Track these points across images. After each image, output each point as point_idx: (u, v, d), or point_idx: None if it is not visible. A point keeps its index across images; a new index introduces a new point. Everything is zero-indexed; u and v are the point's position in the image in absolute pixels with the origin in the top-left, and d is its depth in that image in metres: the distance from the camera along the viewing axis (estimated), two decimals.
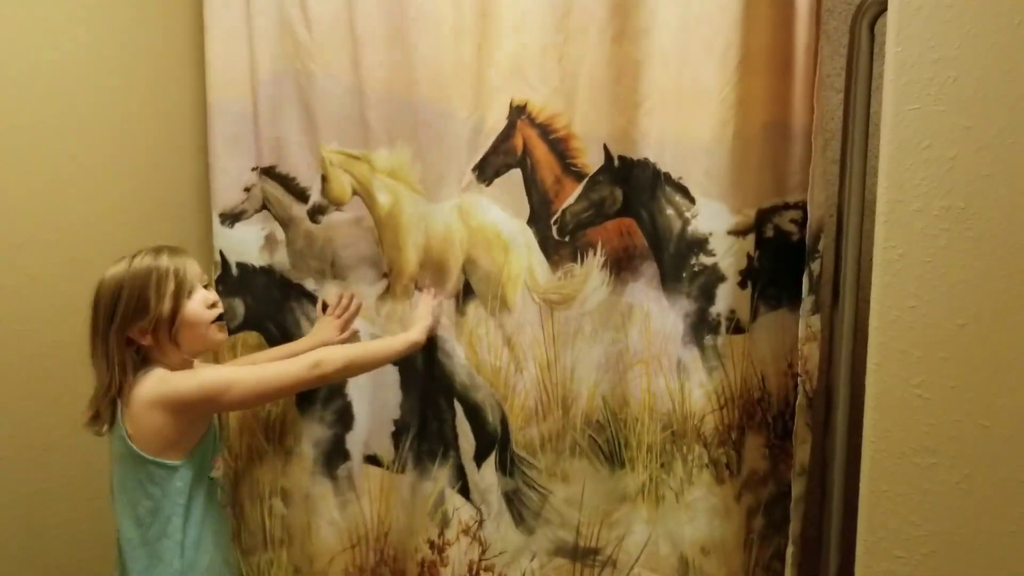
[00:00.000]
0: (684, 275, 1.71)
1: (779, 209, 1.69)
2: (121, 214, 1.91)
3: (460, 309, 1.88)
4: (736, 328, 1.69)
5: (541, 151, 1.78)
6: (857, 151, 1.44)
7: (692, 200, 1.68)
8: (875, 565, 1.16)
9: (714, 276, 1.68)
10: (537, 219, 1.79)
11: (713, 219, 1.67)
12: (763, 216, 1.68)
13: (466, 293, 1.88)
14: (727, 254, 1.67)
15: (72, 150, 1.79)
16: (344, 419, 2.04)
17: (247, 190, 2.04)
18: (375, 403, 2.02)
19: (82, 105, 1.82)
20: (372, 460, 2.03)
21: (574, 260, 1.76)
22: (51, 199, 1.76)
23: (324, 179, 1.96)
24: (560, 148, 1.76)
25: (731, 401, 1.70)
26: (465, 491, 1.92)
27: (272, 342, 2.06)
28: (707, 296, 1.69)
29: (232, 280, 2.07)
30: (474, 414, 1.89)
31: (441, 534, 1.93)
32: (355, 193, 1.96)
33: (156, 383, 1.52)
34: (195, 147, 2.06)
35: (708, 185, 1.67)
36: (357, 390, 2.02)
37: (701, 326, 1.70)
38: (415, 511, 1.97)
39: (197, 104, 2.05)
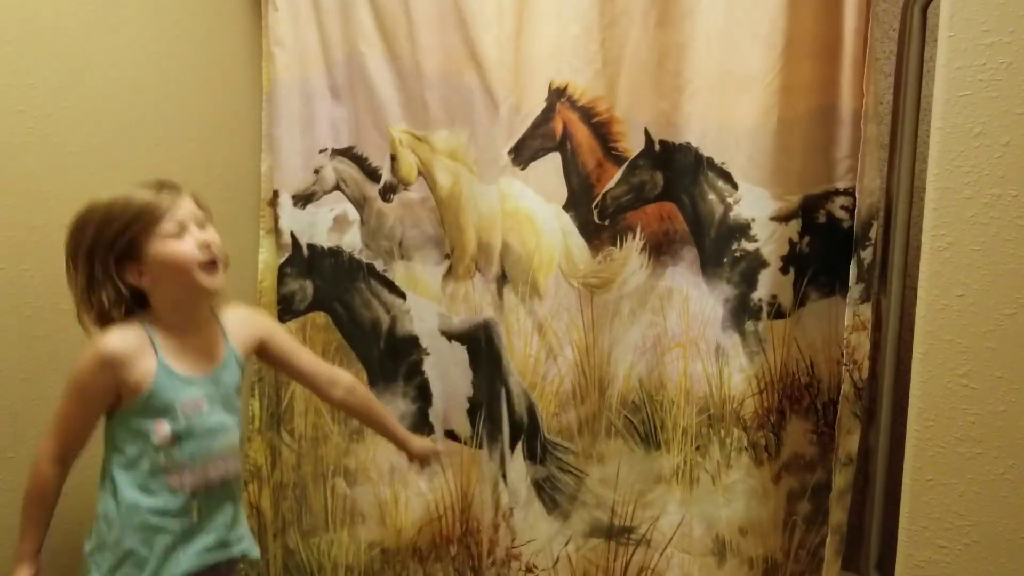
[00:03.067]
0: (725, 260, 1.70)
1: (830, 195, 1.67)
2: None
3: (500, 292, 1.89)
4: (777, 313, 1.68)
5: (583, 135, 1.77)
6: (907, 137, 1.43)
7: (735, 185, 1.68)
8: (917, 554, 1.15)
9: (756, 262, 1.67)
10: (577, 203, 1.79)
11: (755, 205, 1.66)
12: (812, 202, 1.67)
13: (503, 278, 1.89)
14: (769, 240, 1.66)
15: (133, 129, 1.80)
16: (424, 394, 2.08)
17: (316, 171, 2.07)
18: (447, 380, 2.04)
19: (144, 83, 1.82)
20: (451, 435, 2.07)
21: (614, 244, 1.76)
22: (112, 175, 1.78)
23: (393, 158, 1.99)
24: (602, 132, 1.76)
25: (771, 385, 1.69)
26: (504, 476, 1.94)
27: (339, 323, 2.09)
28: (748, 281, 1.68)
29: (302, 261, 2.09)
30: (509, 400, 1.91)
31: (497, 511, 1.96)
32: (419, 174, 1.98)
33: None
34: (251, 128, 2.08)
35: (751, 171, 1.66)
36: (432, 367, 2.05)
37: (742, 311, 1.69)
38: (487, 487, 2.00)
39: (255, 84, 2.06)
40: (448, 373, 2.04)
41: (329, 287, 2.09)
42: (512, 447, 1.91)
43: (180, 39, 1.90)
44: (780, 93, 1.60)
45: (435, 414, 2.07)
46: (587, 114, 1.76)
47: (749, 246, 1.67)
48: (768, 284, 1.67)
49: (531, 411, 1.87)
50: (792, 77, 1.60)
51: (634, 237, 1.75)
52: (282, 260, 2.08)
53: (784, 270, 1.67)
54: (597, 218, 1.76)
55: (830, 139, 1.64)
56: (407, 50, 1.92)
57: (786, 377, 1.70)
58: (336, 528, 2.11)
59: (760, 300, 1.68)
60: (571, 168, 1.80)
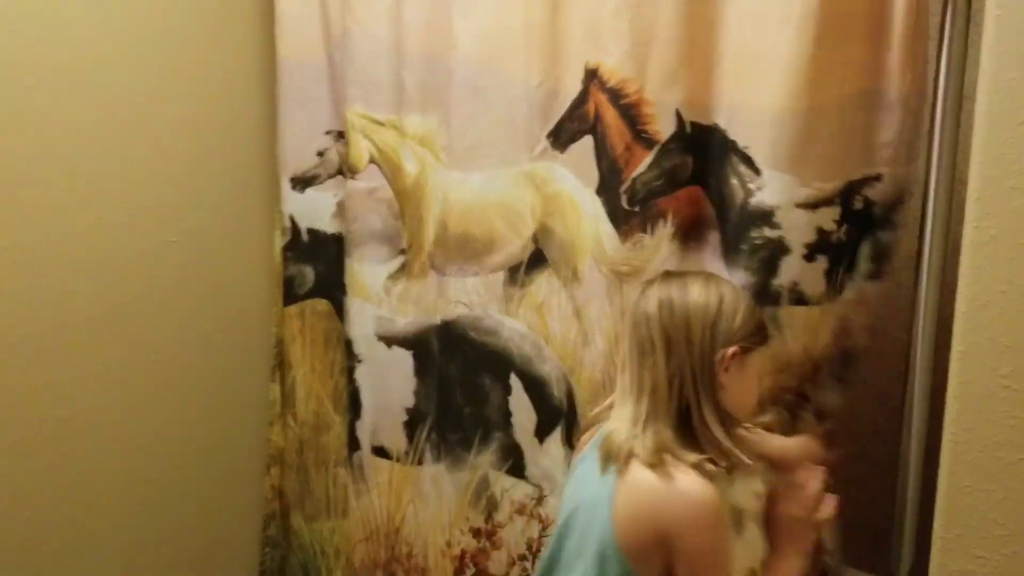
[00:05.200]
0: (744, 247, 1.63)
1: (870, 181, 1.59)
2: (185, 177, 1.91)
3: (520, 281, 1.84)
4: (799, 300, 1.61)
5: (611, 116, 1.72)
6: (949, 122, 1.35)
7: (757, 171, 1.60)
8: (952, 564, 1.09)
9: (778, 249, 1.60)
10: (607, 188, 1.73)
11: (780, 192, 1.58)
12: (851, 189, 1.59)
13: (533, 264, 1.83)
14: (793, 227, 1.58)
15: (135, 113, 1.79)
16: (354, 406, 2.03)
17: (320, 154, 2.03)
18: (382, 391, 1.98)
19: (143, 65, 1.80)
20: (379, 452, 2.01)
21: (643, 230, 1.70)
22: (118, 163, 1.77)
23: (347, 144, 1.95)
24: (631, 114, 1.70)
25: (788, 367, 1.62)
26: (518, 470, 1.88)
27: (341, 311, 2.05)
28: (768, 268, 1.61)
29: (303, 246, 2.07)
30: (538, 388, 1.85)
31: (489, 518, 1.90)
32: (372, 161, 1.92)
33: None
34: (262, 108, 2.05)
35: (775, 156, 1.58)
36: (365, 376, 2.00)
37: (761, 299, 1.62)
38: (443, 504, 1.94)
39: (265, 62, 2.03)
40: (384, 382, 1.97)
41: (332, 274, 2.05)
42: (543, 435, 1.86)
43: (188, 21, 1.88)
44: (811, 77, 1.52)
45: (363, 428, 2.01)
46: (616, 95, 1.70)
47: (771, 233, 1.59)
48: (790, 271, 1.60)
49: (570, 396, 1.82)
50: (827, 60, 1.51)
51: (665, 224, 1.69)
52: (282, 244, 2.05)
53: (809, 257, 1.59)
54: (627, 203, 1.70)
55: (872, 124, 1.56)
56: (385, 26, 1.86)
57: (807, 362, 1.63)
58: (338, 516, 2.09)
59: (781, 287, 1.61)
60: (601, 152, 1.74)
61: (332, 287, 2.07)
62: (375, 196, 1.94)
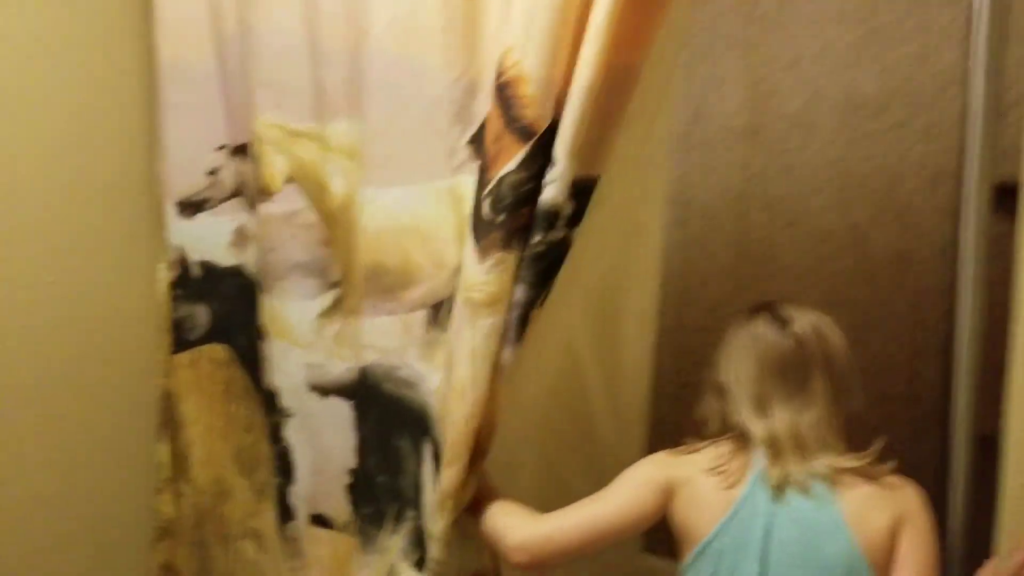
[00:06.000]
0: None
1: None
2: (55, 200, 1.65)
3: (439, 321, 1.44)
4: None
5: (492, 101, 1.31)
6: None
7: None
8: None
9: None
10: (476, 191, 1.32)
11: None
12: None
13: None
14: None
15: None
16: (285, 469, 1.66)
17: (212, 173, 1.73)
18: (319, 449, 1.62)
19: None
20: (319, 521, 1.64)
21: (506, 247, 1.27)
22: None
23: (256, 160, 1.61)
24: (506, 94, 1.28)
25: None
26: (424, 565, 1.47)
27: (243, 356, 1.74)
28: None
29: (194, 282, 1.77)
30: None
31: None
32: (290, 180, 1.58)
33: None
34: (144, 120, 1.77)
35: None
36: (296, 432, 1.64)
37: None
38: None
39: (147, 66, 1.75)
40: (321, 439, 1.60)
41: (229, 314, 1.72)
42: None
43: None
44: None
45: (298, 495, 1.63)
46: (498, 73, 1.30)
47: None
48: None
49: None
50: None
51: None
52: (169, 280, 1.74)
53: None
54: (490, 210, 1.28)
55: None
56: (298, 17, 1.53)
57: None
58: None
59: None
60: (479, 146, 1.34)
61: (232, 330, 1.75)
62: (295, 221, 1.61)
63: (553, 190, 1.23)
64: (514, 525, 1.33)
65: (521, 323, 1.27)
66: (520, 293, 1.25)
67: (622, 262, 1.53)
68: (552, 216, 1.23)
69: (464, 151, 1.41)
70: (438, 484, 1.37)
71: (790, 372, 1.29)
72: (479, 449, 1.34)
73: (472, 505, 1.39)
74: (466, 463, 1.33)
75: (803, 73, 2.10)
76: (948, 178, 1.99)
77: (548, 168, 1.23)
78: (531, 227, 1.24)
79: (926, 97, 1.99)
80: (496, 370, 1.28)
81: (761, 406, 1.29)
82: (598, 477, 1.36)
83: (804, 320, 1.31)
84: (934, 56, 1.98)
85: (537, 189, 1.24)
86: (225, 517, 1.77)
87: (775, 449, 1.26)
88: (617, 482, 1.33)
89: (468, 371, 1.28)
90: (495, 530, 1.34)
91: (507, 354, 1.28)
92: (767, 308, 1.35)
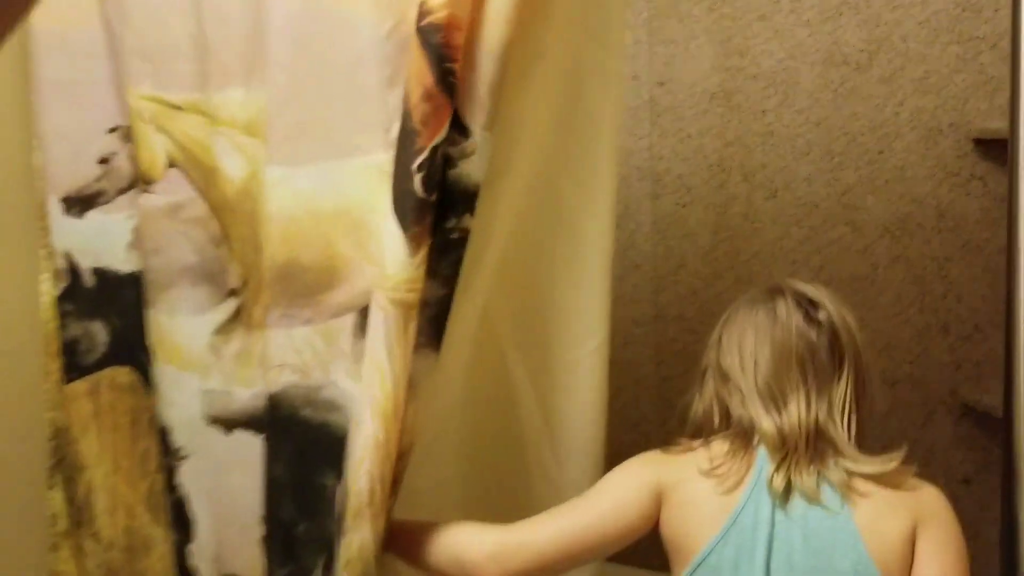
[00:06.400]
0: None
1: None
2: None
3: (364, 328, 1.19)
4: None
5: (414, 49, 1.06)
6: None
7: None
8: None
9: None
10: (397, 163, 1.06)
11: None
12: None
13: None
14: None
15: None
16: (181, 522, 1.39)
17: (104, 161, 1.45)
18: (222, 495, 1.35)
19: None
20: None
21: (434, 234, 1.02)
22: None
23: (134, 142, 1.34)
24: (435, 42, 1.02)
25: None
26: None
27: (150, 379, 1.46)
28: None
29: (88, 294, 1.47)
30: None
31: None
32: (172, 165, 1.32)
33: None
34: (17, 101, 1.49)
35: None
36: (194, 474, 1.37)
37: None
38: None
39: (15, 37, 1.48)
40: (226, 483, 1.33)
41: (132, 330, 1.45)
42: None
43: None
44: None
45: (200, 555, 1.36)
46: (419, 15, 1.04)
47: None
48: None
49: None
50: None
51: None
52: (58, 293, 1.46)
53: None
54: (420, 188, 1.02)
55: None
56: None
57: None
58: None
59: None
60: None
61: (137, 348, 1.47)
62: (181, 216, 1.33)
63: (473, 164, 0.99)
64: (476, 540, 1.13)
65: (437, 326, 1.05)
66: (434, 289, 1.01)
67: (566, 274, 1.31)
68: (472, 197, 1.01)
69: (400, 121, 1.14)
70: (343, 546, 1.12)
71: (814, 364, 1.15)
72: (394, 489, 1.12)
73: (405, 548, 1.18)
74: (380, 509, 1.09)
75: (778, 25, 1.94)
76: (944, 135, 1.86)
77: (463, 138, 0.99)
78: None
79: (917, 46, 1.85)
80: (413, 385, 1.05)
81: (774, 399, 1.14)
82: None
83: (833, 307, 1.17)
84: (921, 1, 1.84)
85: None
86: (144, 575, 1.51)
87: (784, 449, 1.12)
88: (601, 484, 1.15)
89: (392, 389, 1.03)
90: (451, 553, 1.14)
91: (425, 364, 1.06)
92: (789, 288, 1.20)
